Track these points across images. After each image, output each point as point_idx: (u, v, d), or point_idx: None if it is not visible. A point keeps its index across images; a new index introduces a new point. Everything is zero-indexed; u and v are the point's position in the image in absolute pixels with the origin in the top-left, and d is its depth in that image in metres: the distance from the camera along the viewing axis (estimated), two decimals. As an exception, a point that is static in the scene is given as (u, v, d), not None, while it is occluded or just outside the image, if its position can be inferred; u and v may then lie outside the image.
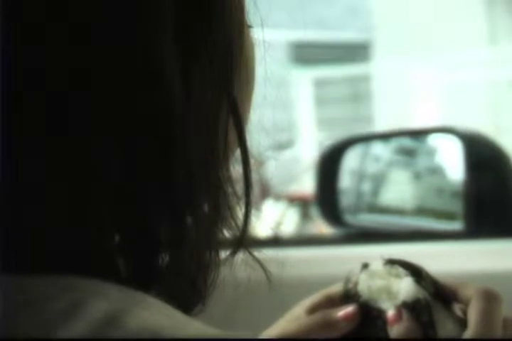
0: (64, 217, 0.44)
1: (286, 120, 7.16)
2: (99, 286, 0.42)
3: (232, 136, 0.50)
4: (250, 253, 0.53)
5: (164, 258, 0.47)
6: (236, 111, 0.50)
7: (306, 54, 8.74)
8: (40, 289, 0.41)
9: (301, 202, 5.64)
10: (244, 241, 0.52)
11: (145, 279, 0.46)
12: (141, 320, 0.39)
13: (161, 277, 0.47)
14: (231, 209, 0.50)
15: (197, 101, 0.47)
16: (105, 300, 0.40)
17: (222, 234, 0.51)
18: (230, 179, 0.50)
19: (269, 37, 0.53)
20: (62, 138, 0.43)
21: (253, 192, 0.51)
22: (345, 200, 1.49)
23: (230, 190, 0.50)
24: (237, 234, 0.51)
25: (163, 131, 0.45)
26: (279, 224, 5.23)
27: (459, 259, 1.12)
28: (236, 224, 0.51)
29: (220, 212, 0.49)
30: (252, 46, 0.53)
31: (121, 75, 0.44)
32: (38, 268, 0.42)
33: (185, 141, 0.46)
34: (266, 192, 5.82)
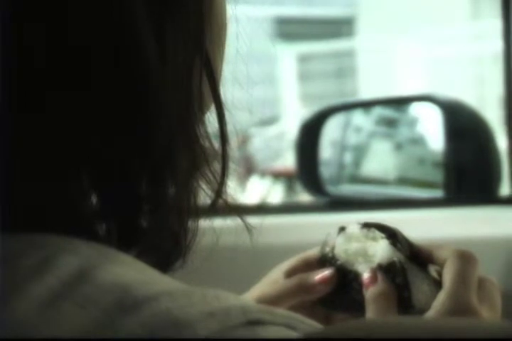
0: (41, 175, 0.44)
1: (270, 96, 7.15)
2: (70, 243, 0.42)
3: (207, 91, 0.50)
4: (242, 219, 0.54)
5: (145, 216, 0.47)
6: (209, 65, 0.50)
7: (290, 29, 8.71)
8: (12, 246, 0.41)
9: (286, 178, 5.65)
10: (228, 203, 0.52)
11: (127, 238, 0.46)
12: (111, 275, 0.40)
13: (143, 234, 0.47)
14: (209, 163, 0.50)
15: (171, 57, 0.47)
16: (76, 255, 0.41)
17: (202, 188, 0.51)
18: (206, 133, 0.50)
19: (252, 12, 0.53)
20: (43, 95, 0.43)
21: (230, 147, 0.51)
22: (327, 171, 1.49)
23: (206, 144, 0.50)
24: (216, 187, 0.51)
25: (140, 87, 0.45)
26: (264, 200, 5.25)
27: (439, 226, 1.13)
28: (215, 177, 0.51)
29: (198, 166, 0.50)
30: (222, 1, 0.53)
31: (94, 34, 0.44)
32: (13, 226, 0.42)
33: (162, 96, 0.46)
34: (251, 169, 5.83)
